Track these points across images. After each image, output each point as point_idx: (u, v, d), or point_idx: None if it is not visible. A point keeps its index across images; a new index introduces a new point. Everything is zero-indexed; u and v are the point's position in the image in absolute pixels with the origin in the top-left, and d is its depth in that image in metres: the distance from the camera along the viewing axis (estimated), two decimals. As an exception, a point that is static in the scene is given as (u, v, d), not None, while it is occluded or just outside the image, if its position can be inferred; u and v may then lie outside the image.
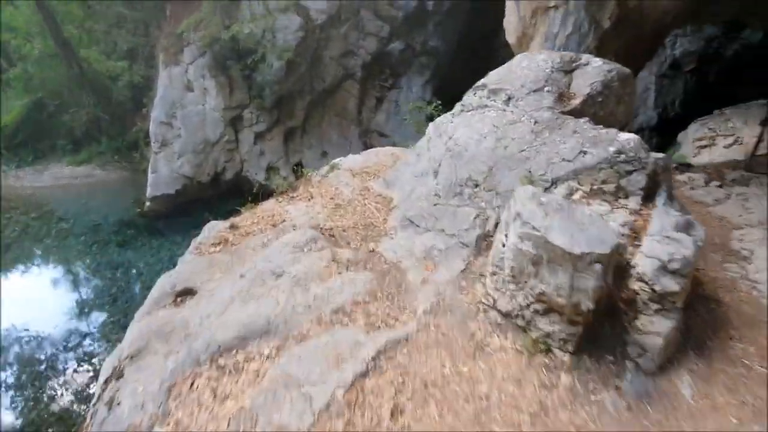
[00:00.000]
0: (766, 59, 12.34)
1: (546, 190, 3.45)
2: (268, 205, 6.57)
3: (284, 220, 5.96)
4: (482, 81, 5.26)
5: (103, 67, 15.99)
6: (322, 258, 3.83)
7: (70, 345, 10.34)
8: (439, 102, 10.29)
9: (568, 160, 3.43)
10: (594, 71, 4.31)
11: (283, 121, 17.18)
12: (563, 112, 4.07)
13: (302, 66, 16.21)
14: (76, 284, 13.01)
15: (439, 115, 10.76)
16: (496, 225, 3.62)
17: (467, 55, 20.57)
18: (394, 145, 19.53)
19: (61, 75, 19.11)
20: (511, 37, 8.89)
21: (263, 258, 4.03)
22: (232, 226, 5.78)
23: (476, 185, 4.13)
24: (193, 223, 16.67)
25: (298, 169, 8.59)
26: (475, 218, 3.72)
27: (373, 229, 5.11)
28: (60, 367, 9.75)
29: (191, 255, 4.97)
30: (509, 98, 4.61)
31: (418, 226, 4.58)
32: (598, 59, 4.48)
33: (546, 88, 4.32)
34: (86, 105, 18.98)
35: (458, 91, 18.94)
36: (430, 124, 6.76)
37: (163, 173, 15.40)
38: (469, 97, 5.32)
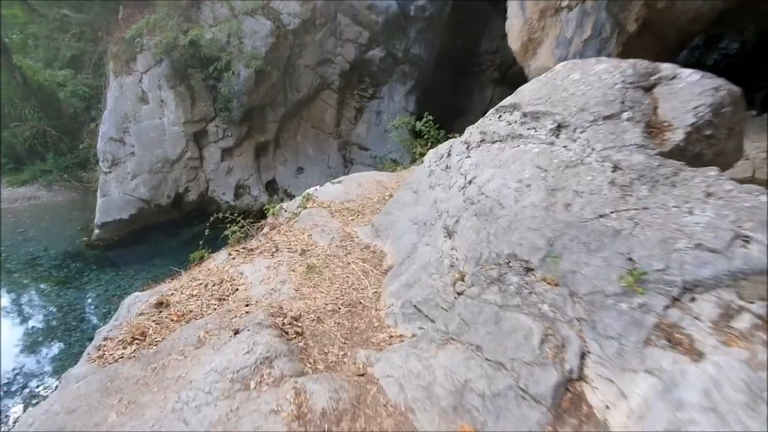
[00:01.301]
0: (743, 67, 11.60)
1: (675, 301, 1.91)
2: (219, 262, 4.85)
3: (237, 289, 4.26)
4: (511, 99, 3.71)
5: (41, 77, 13.85)
6: (278, 409, 2.20)
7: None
8: (431, 117, 8.76)
9: (713, 250, 1.91)
10: (691, 89, 2.81)
11: (254, 135, 15.40)
12: (662, 154, 2.55)
13: (274, 75, 14.48)
14: None
15: (431, 134, 9.28)
16: (582, 358, 2.05)
17: (449, 63, 19.26)
18: (375, 159, 18.02)
19: (2, 85, 16.84)
20: (514, 42, 7.43)
21: (173, 412, 2.34)
22: (160, 304, 4.04)
23: (528, 269, 2.55)
24: (152, 251, 14.71)
25: (267, 201, 6.87)
26: (542, 342, 2.15)
27: (361, 317, 3.48)
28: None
29: (84, 366, 3.22)
30: (560, 126, 3.07)
31: (432, 321, 2.97)
32: (689, 70, 2.99)
33: (625, 114, 2.79)
34: (30, 118, 16.73)
35: (442, 101, 17.46)
36: (430, 153, 5.19)
37: (115, 196, 13.37)
38: (492, 122, 3.76)
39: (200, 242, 6.45)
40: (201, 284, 4.36)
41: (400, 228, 4.73)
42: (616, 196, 2.49)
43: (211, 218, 6.24)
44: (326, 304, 3.71)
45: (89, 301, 11.51)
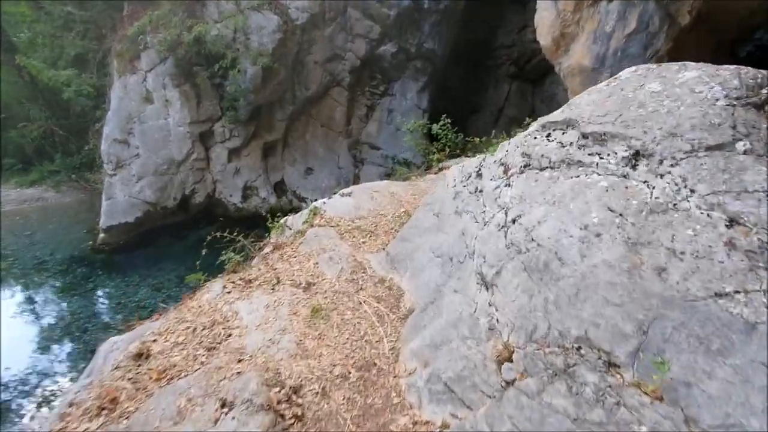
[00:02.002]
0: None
1: None
2: (212, 296, 4.17)
3: (229, 335, 3.59)
4: (563, 114, 2.94)
5: (44, 76, 13.31)
6: None
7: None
8: (448, 120, 7.97)
9: None
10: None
11: (261, 135, 14.72)
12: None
13: (282, 72, 13.76)
14: None
15: (448, 137, 8.41)
16: None
17: (463, 58, 18.31)
18: (386, 159, 17.24)
19: (9, 85, 16.41)
20: (544, 37, 6.59)
21: None
22: (140, 355, 3.38)
23: (610, 364, 1.82)
24: (159, 255, 14.20)
25: (272, 219, 6.23)
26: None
27: (376, 387, 2.79)
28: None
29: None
30: (638, 155, 2.31)
31: (469, 408, 2.27)
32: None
33: (741, 144, 2.02)
34: (38, 118, 16.29)
35: (456, 98, 16.57)
36: (454, 170, 4.44)
37: (120, 199, 12.84)
38: (539, 142, 2.99)
39: (197, 262, 5.79)
40: (189, 328, 3.69)
41: (419, 259, 4.00)
42: (740, 267, 1.73)
43: (208, 237, 5.55)
44: (333, 365, 3.01)
45: (94, 309, 11.03)
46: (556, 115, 2.99)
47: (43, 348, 9.52)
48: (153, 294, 11.49)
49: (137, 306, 11.12)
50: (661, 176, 2.21)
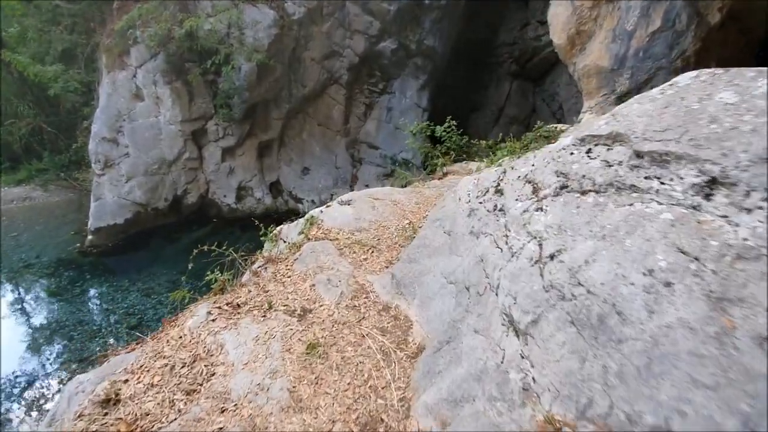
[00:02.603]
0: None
1: None
2: (196, 323, 3.68)
3: (212, 374, 3.10)
4: (606, 127, 2.46)
5: (30, 72, 12.68)
6: None
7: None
8: (454, 122, 7.49)
9: None
10: None
11: (256, 134, 14.18)
12: None
13: (277, 69, 13.20)
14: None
15: (453, 140, 7.86)
16: None
17: (464, 55, 17.80)
18: (385, 158, 16.72)
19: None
20: (558, 35, 6.10)
21: None
22: (107, 401, 2.89)
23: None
24: (150, 258, 13.64)
25: (263, 229, 5.73)
26: None
27: (384, 454, 2.33)
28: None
29: None
30: (714, 183, 1.83)
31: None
32: None
33: None
34: (26, 115, 15.64)
35: (456, 97, 16.03)
36: (467, 182, 3.96)
37: (108, 200, 12.28)
38: (577, 159, 2.52)
39: (182, 278, 5.30)
40: (167, 365, 3.19)
41: (430, 285, 3.52)
42: None
43: (194, 251, 5.02)
44: (333, 421, 2.53)
45: (80, 315, 10.48)
46: (598, 127, 2.50)
47: (24, 358, 8.99)
48: (142, 300, 10.97)
49: (126, 313, 10.60)
50: (749, 211, 1.73)
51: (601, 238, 2.10)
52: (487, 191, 3.50)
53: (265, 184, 14.44)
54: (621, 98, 5.96)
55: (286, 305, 3.75)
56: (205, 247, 5.06)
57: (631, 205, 2.12)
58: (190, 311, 4.05)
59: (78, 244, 12.62)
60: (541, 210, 2.54)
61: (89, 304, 11.11)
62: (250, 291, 4.05)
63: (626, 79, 5.66)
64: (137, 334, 3.79)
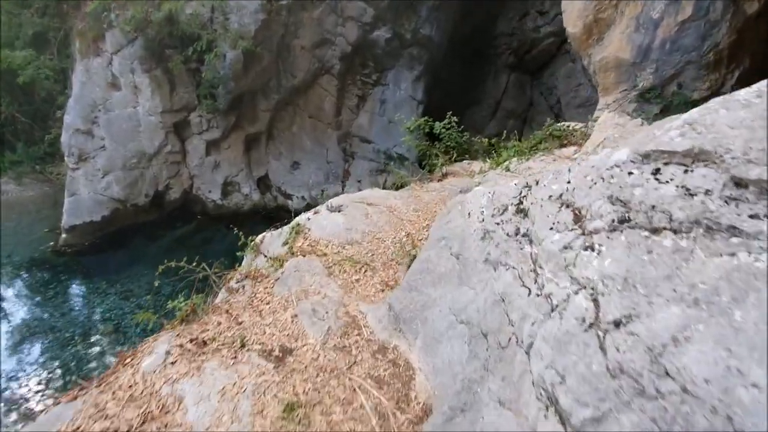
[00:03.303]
0: None
1: None
2: (149, 368, 3.01)
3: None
4: (679, 140, 1.83)
5: (-3, 57, 11.71)
6: None
7: None
8: (455, 119, 6.82)
9: None
10: None
11: (243, 126, 13.36)
12: None
13: (265, 57, 12.36)
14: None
15: (452, 137, 7.10)
16: None
17: (460, 46, 17.03)
18: (378, 153, 15.99)
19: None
20: (573, 23, 5.44)
21: None
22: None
23: None
24: (130, 258, 12.81)
25: (244, 239, 5.04)
26: None
27: None
28: None
29: None
30: None
31: None
32: None
33: None
34: (-2, 103, 14.59)
35: (452, 89, 15.26)
36: (478, 196, 3.30)
37: (84, 196, 11.45)
38: (639, 182, 1.88)
39: (146, 296, 4.63)
40: (109, 429, 2.52)
41: (435, 322, 2.89)
42: None
43: (160, 268, 4.33)
44: None
45: (52, 321, 9.72)
46: (670, 140, 1.86)
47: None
48: (120, 303, 10.24)
49: (102, 318, 9.88)
50: None
51: (692, 303, 1.46)
52: (506, 210, 2.86)
53: (252, 179, 13.67)
54: (643, 95, 5.34)
55: (262, 343, 3.10)
56: (173, 263, 4.36)
57: (732, 255, 1.49)
58: (148, 346, 3.37)
59: (52, 243, 11.80)
60: (592, 249, 1.90)
61: (63, 307, 10.34)
62: (220, 323, 3.38)
63: (650, 73, 5.03)
64: (79, 381, 3.09)
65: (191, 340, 3.18)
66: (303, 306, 3.42)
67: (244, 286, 4.22)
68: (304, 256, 4.43)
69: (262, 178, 13.96)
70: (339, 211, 5.21)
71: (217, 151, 13.00)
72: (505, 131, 7.19)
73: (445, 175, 6.65)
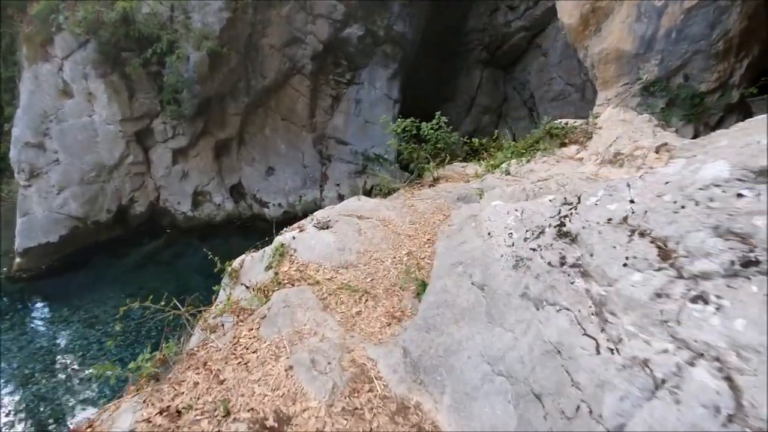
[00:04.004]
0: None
1: None
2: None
3: None
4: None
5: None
6: None
7: None
8: (445, 119, 6.32)
9: None
10: None
11: (212, 132, 12.45)
12: None
13: (232, 58, 11.51)
14: None
15: (441, 138, 6.48)
16: None
17: (432, 43, 16.57)
18: (356, 155, 15.31)
19: None
20: (569, 14, 5.01)
21: None
22: None
23: None
24: (94, 279, 11.69)
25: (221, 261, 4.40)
26: None
27: None
28: None
29: None
30: None
31: None
32: None
33: None
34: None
35: (426, 87, 14.71)
36: (502, 211, 2.79)
37: (38, 215, 10.33)
38: (754, 206, 1.38)
39: (110, 342, 3.96)
40: None
41: (465, 372, 2.35)
42: None
43: (121, 310, 3.63)
44: None
45: (8, 357, 8.65)
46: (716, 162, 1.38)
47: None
48: (85, 332, 9.26)
49: (65, 350, 8.88)
50: None
51: None
52: (542, 232, 2.35)
53: (224, 187, 12.78)
54: (647, 88, 4.97)
55: (252, 409, 2.48)
56: (136, 304, 3.65)
57: None
58: (109, 417, 2.69)
59: (5, 269, 10.61)
60: (705, 302, 1.40)
61: (21, 340, 9.26)
62: (197, 383, 2.73)
63: (654, 65, 4.67)
64: None
65: (161, 411, 2.52)
66: (299, 355, 2.81)
67: (224, 325, 3.57)
68: (292, 284, 3.81)
69: (235, 186, 13.09)
70: (327, 228, 4.60)
71: (184, 160, 12.05)
72: (496, 132, 6.73)
73: (436, 180, 6.14)
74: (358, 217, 4.90)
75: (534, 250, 2.32)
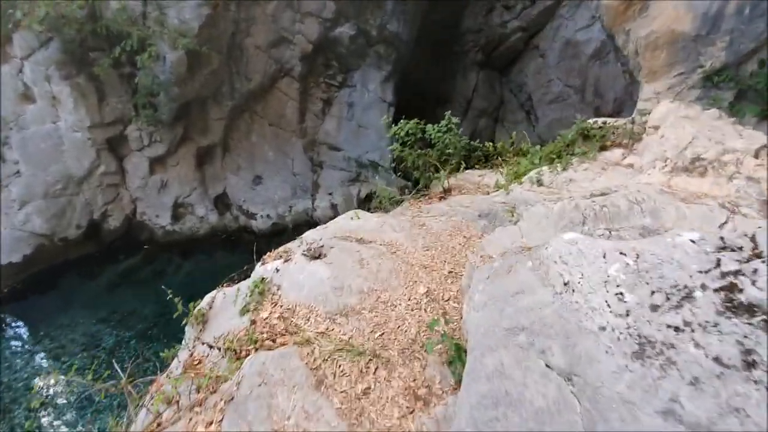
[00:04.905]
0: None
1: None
2: None
3: None
4: None
5: None
6: None
7: None
8: (455, 120, 5.34)
9: None
10: None
11: (193, 138, 11.33)
12: None
13: (214, 59, 10.43)
14: None
15: (450, 142, 5.31)
16: None
17: (428, 45, 15.67)
18: (349, 161, 14.27)
19: None
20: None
21: None
22: None
23: None
24: (64, 302, 10.43)
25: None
26: None
27: None
28: None
29: None
30: None
31: None
32: None
33: None
34: None
35: (421, 89, 13.59)
36: (597, 253, 1.78)
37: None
38: None
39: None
40: None
41: None
42: None
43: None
44: None
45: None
46: None
47: None
48: (51, 365, 8.05)
49: (26, 386, 7.65)
50: None
51: None
52: (689, 296, 1.37)
53: (208, 198, 11.65)
54: (710, 78, 4.04)
55: None
56: (52, 379, 2.54)
57: None
58: None
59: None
60: None
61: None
62: None
63: (721, 49, 3.76)
64: None
65: None
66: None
67: (179, 402, 2.52)
68: (273, 340, 2.78)
69: (220, 196, 11.96)
70: (320, 257, 3.57)
71: (163, 169, 10.91)
72: (513, 135, 5.76)
73: (447, 191, 5.14)
74: (358, 241, 3.87)
75: (679, 330, 1.32)
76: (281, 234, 12.11)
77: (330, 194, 12.62)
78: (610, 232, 2.58)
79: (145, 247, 10.93)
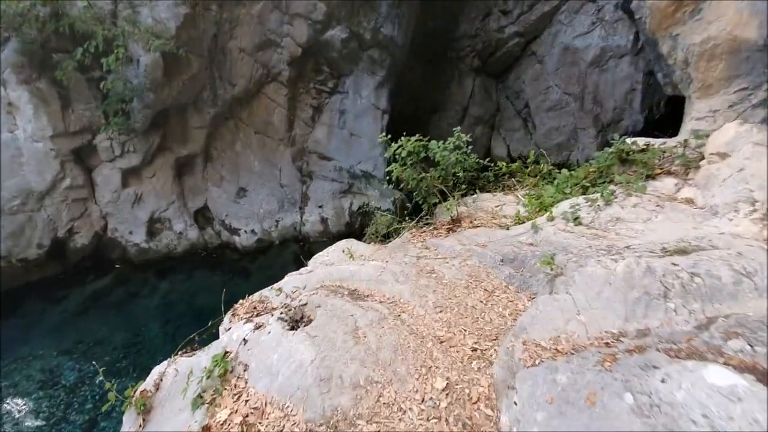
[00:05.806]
0: None
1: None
2: None
3: None
4: None
5: None
6: None
7: None
8: (466, 137, 4.53)
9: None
10: None
11: (171, 148, 10.38)
12: None
13: (194, 62, 9.52)
14: None
15: (462, 163, 4.36)
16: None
17: (422, 51, 14.92)
18: (341, 172, 13.41)
19: None
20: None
21: None
22: None
23: None
24: (24, 330, 9.36)
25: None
26: None
27: None
28: None
29: None
30: None
31: None
32: None
33: None
34: None
35: (415, 95, 12.36)
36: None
37: (-56, 255, 8.03)
38: None
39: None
40: None
41: None
42: None
43: None
44: None
45: None
46: None
47: None
48: (8, 409, 7.01)
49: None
50: None
51: None
52: None
53: (187, 212, 10.69)
54: (785, 94, 3.29)
55: None
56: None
57: None
58: None
59: None
60: None
61: None
62: None
63: (802, 59, 3.04)
64: None
65: None
66: None
67: None
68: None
69: (200, 210, 11.01)
70: (301, 326, 2.71)
71: (137, 181, 9.94)
72: (533, 152, 4.97)
73: (456, 221, 4.32)
74: (351, 295, 3.03)
75: None
76: (267, 251, 11.20)
77: (320, 207, 11.75)
78: (712, 321, 1.77)
79: (117, 266, 9.92)
